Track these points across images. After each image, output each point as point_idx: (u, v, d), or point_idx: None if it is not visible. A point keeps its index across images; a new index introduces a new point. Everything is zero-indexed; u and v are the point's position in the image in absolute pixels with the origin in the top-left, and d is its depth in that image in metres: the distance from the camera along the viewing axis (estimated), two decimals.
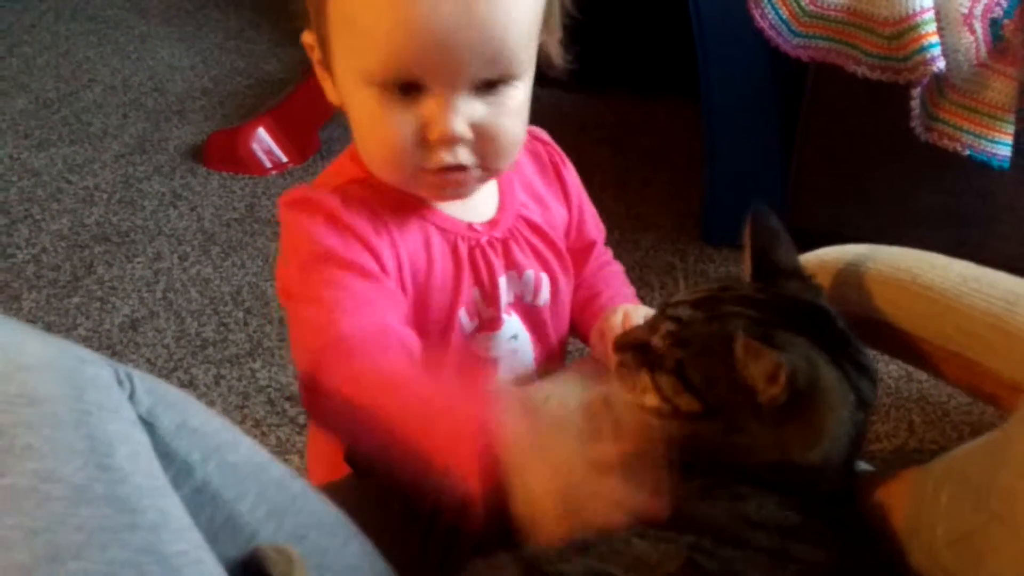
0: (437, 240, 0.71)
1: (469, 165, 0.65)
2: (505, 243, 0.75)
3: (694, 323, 0.60)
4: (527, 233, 0.77)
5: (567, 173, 0.82)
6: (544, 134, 0.83)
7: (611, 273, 0.87)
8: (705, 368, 0.57)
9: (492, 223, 0.74)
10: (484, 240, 0.73)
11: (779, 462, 0.56)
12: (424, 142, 0.64)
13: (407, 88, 0.62)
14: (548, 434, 0.54)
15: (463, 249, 0.72)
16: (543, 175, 0.81)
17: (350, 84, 0.65)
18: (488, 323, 0.76)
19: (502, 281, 0.74)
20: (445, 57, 0.60)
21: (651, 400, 0.60)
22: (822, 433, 0.56)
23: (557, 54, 0.69)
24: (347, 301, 0.64)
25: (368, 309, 0.65)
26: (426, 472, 0.57)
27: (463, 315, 0.73)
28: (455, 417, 0.57)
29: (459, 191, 0.69)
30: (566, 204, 0.82)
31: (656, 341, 0.60)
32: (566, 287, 0.81)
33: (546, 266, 0.78)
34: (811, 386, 0.55)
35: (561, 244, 0.80)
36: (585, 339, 0.85)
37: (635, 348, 0.62)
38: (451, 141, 0.63)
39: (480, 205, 0.75)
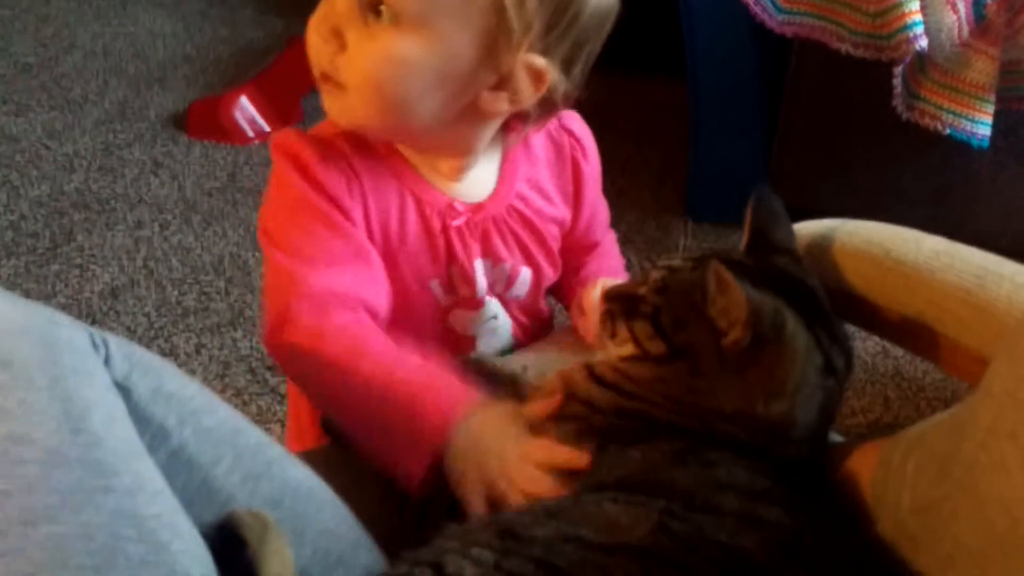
0: (412, 208, 0.71)
1: (327, 73, 0.64)
2: (485, 230, 0.73)
3: (681, 272, 0.61)
4: (515, 226, 0.75)
5: (586, 169, 0.79)
6: (576, 122, 0.79)
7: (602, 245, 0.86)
8: (677, 310, 0.59)
9: (478, 207, 0.73)
10: (461, 222, 0.72)
11: (742, 412, 0.57)
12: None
13: None
14: (490, 433, 0.60)
15: (436, 224, 0.71)
16: (558, 169, 0.78)
17: None
18: (466, 301, 0.76)
19: (478, 264, 0.74)
20: None
21: (628, 349, 0.61)
22: (784, 384, 0.57)
23: (528, 82, 0.64)
24: (317, 255, 0.66)
25: (336, 266, 0.66)
26: (376, 440, 0.62)
27: (436, 287, 0.73)
28: (413, 407, 0.60)
29: (331, 105, 0.67)
30: (575, 204, 0.79)
31: (643, 291, 0.62)
32: (550, 280, 0.81)
33: (531, 261, 0.77)
34: (775, 333, 0.56)
35: (553, 242, 0.78)
36: (569, 307, 0.85)
37: (622, 299, 0.64)
38: (311, 32, 0.64)
39: (473, 185, 0.73)
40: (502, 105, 0.66)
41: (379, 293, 0.68)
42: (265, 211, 0.70)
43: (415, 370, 0.63)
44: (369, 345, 0.64)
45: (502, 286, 0.77)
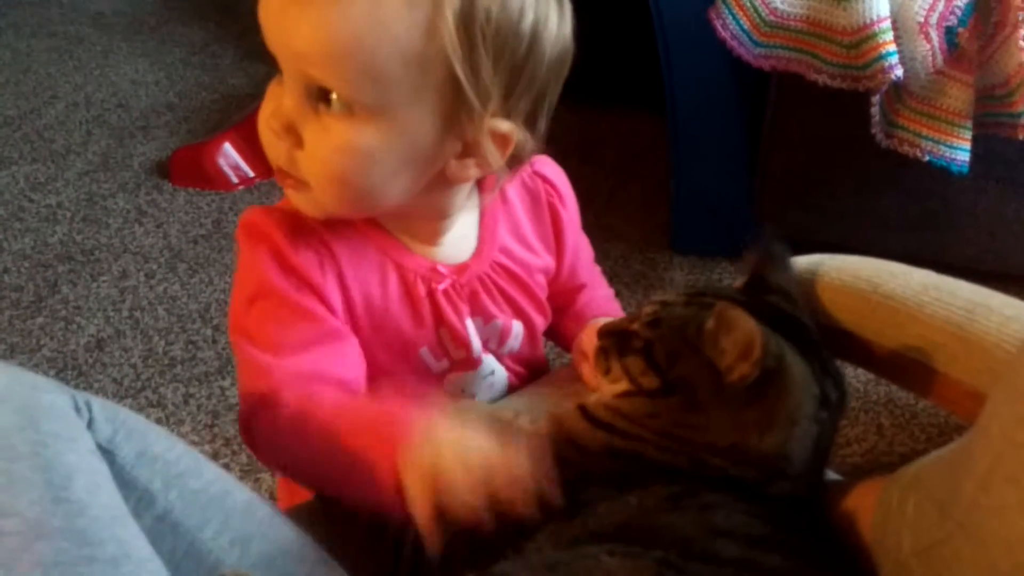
0: (393, 277, 0.68)
1: (285, 170, 0.61)
2: (472, 291, 0.72)
3: (674, 306, 0.61)
4: (502, 281, 0.74)
5: (564, 215, 0.78)
6: (548, 166, 0.77)
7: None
8: (670, 345, 0.59)
9: (462, 268, 0.71)
10: (447, 284, 0.70)
11: (735, 446, 0.56)
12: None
13: (277, 65, 0.60)
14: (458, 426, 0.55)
15: (421, 290, 0.69)
16: (536, 217, 0.77)
17: None
18: (462, 363, 0.74)
19: (470, 324, 0.72)
20: (274, 29, 0.57)
21: (622, 385, 0.61)
22: (779, 416, 0.57)
23: (494, 147, 0.61)
24: (285, 342, 0.63)
25: (304, 350, 0.63)
26: (354, 494, 0.58)
27: (427, 355, 0.72)
28: (375, 425, 0.57)
29: (297, 200, 0.63)
30: (556, 251, 0.78)
31: (635, 326, 0.62)
32: (542, 328, 0.80)
33: (521, 314, 0.76)
34: (777, 365, 0.56)
35: (541, 292, 0.77)
36: (563, 346, 0.84)
37: (615, 335, 0.63)
38: (263, 127, 0.61)
39: (453, 247, 0.71)
40: (470, 171, 0.64)
41: (352, 368, 0.66)
42: (233, 300, 0.67)
43: (369, 406, 0.61)
44: (319, 406, 0.61)
45: (495, 343, 0.76)
